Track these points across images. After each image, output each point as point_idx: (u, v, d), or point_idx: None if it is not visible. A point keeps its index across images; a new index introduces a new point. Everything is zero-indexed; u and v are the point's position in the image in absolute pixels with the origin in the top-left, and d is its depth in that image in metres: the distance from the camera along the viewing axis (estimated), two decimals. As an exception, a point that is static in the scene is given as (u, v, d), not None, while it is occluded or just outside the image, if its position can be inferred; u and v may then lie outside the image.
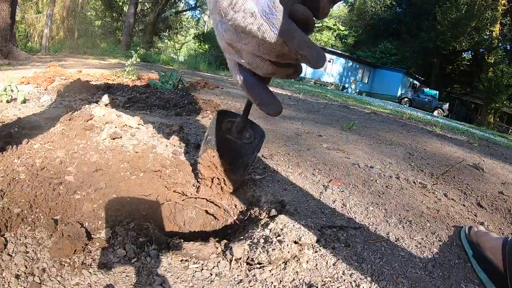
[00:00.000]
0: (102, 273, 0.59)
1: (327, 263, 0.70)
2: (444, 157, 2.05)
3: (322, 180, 1.16)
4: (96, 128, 1.13)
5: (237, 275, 0.62)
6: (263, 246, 0.69)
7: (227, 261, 0.65)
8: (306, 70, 21.35)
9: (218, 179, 0.90)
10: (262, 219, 0.84)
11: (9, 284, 0.52)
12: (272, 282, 0.61)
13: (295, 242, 0.75)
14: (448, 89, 26.99)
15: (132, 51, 5.24)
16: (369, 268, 0.70)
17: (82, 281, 0.57)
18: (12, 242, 0.60)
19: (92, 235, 0.69)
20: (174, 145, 1.17)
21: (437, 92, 20.72)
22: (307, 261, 0.69)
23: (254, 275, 0.62)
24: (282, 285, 0.61)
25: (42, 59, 6.24)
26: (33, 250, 0.60)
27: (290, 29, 0.33)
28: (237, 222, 0.87)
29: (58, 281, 0.56)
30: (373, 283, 0.65)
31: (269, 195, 0.97)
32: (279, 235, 0.75)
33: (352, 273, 0.68)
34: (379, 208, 1.00)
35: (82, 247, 0.63)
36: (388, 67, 25.29)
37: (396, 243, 0.82)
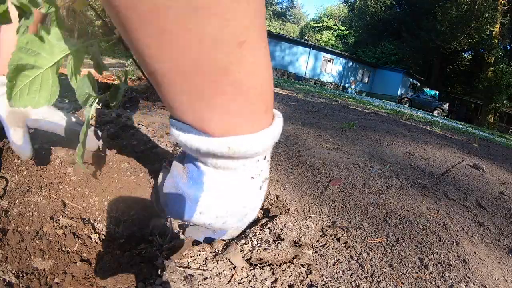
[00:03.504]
0: (99, 274, 0.59)
1: (327, 263, 0.70)
2: (444, 157, 2.06)
3: (322, 180, 1.16)
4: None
5: (237, 275, 0.62)
6: (262, 246, 0.69)
7: (227, 261, 0.65)
8: (306, 70, 21.37)
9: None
10: (262, 219, 0.84)
11: (9, 284, 0.52)
12: (272, 282, 0.61)
13: (295, 242, 0.75)
14: (448, 89, 27.02)
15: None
16: (369, 268, 0.70)
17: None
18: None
19: (91, 236, 0.69)
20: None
21: (437, 92, 20.73)
22: (307, 261, 0.69)
23: (254, 275, 0.62)
24: (282, 285, 0.61)
25: (42, 59, 6.22)
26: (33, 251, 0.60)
27: None
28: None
29: (56, 283, 0.56)
30: (373, 283, 0.65)
31: (269, 195, 0.97)
32: (279, 235, 0.75)
33: (352, 273, 0.68)
34: (379, 208, 1.00)
35: (82, 244, 0.63)
36: (388, 67, 25.33)
37: (396, 243, 0.82)
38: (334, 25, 37.53)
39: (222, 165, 0.33)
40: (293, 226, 0.80)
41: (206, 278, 0.60)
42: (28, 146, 0.75)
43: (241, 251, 0.68)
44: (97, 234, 0.70)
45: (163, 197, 0.38)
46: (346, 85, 23.08)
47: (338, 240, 0.79)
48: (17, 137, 0.74)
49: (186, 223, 0.41)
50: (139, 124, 1.26)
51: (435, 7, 22.29)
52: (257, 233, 0.75)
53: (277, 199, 0.96)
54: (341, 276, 0.66)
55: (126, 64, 3.43)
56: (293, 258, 0.69)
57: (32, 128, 0.76)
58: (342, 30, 36.43)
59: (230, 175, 0.34)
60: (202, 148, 0.30)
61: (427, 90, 20.83)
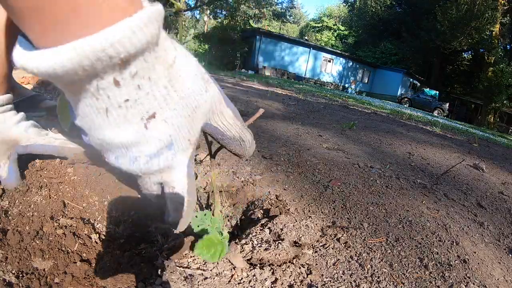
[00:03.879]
0: (99, 274, 0.59)
1: (327, 263, 0.70)
2: (444, 157, 2.06)
3: (322, 180, 1.16)
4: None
5: (237, 275, 0.62)
6: (263, 246, 0.69)
7: (227, 261, 0.65)
8: (306, 70, 21.38)
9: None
10: (262, 219, 0.84)
11: (9, 284, 0.52)
12: (272, 282, 0.61)
13: (295, 242, 0.75)
14: (448, 89, 27.02)
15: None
16: (369, 268, 0.70)
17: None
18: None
19: (91, 236, 0.69)
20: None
21: (437, 92, 20.74)
22: (307, 261, 0.69)
23: (254, 275, 0.62)
24: (282, 285, 0.61)
25: (42, 59, 6.23)
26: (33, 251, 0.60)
27: None
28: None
29: (56, 283, 0.56)
30: (373, 283, 0.65)
31: (269, 195, 0.97)
32: (279, 235, 0.75)
33: (352, 273, 0.68)
34: (379, 208, 1.00)
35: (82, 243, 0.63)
36: (388, 67, 25.34)
37: (396, 243, 0.82)
38: (334, 25, 37.54)
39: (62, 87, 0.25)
40: (293, 226, 0.80)
41: (206, 278, 0.60)
42: (14, 176, 0.73)
43: (241, 251, 0.68)
44: (97, 234, 0.70)
45: None
46: (346, 85, 23.07)
47: (338, 240, 0.79)
48: (2, 171, 0.72)
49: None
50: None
51: (435, 7, 22.28)
52: (257, 233, 0.75)
53: (277, 199, 0.96)
54: (341, 276, 0.66)
55: None
56: (293, 258, 0.69)
57: (23, 154, 0.75)
58: (342, 30, 36.44)
59: (80, 100, 0.26)
60: (16, 64, 0.23)
61: (427, 90, 20.83)
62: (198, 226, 0.68)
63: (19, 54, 0.22)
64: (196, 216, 0.70)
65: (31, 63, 0.21)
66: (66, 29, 0.21)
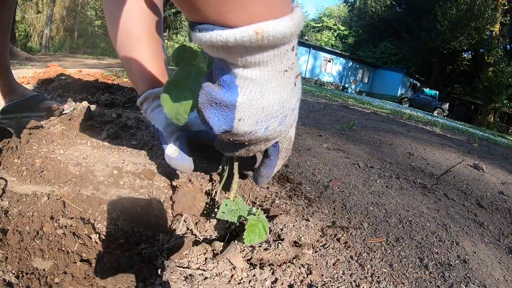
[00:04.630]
0: (99, 274, 0.59)
1: (327, 263, 0.70)
2: (444, 157, 2.06)
3: (322, 180, 1.16)
4: (96, 128, 1.13)
5: (237, 275, 0.62)
6: (262, 246, 0.69)
7: (227, 261, 0.65)
8: (306, 70, 21.37)
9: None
10: (262, 219, 0.84)
11: (9, 284, 0.52)
12: (272, 282, 0.61)
13: (295, 242, 0.75)
14: (448, 89, 27.00)
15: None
16: (369, 268, 0.70)
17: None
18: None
19: (91, 236, 0.69)
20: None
21: (437, 92, 20.73)
22: (307, 261, 0.69)
23: (254, 275, 0.62)
24: (282, 285, 0.61)
25: (42, 59, 6.25)
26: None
27: None
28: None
29: (56, 283, 0.56)
30: (373, 283, 0.65)
31: (269, 195, 0.97)
32: (279, 235, 0.75)
33: (352, 273, 0.68)
34: (379, 208, 1.00)
35: (82, 244, 0.63)
36: (388, 67, 25.33)
37: (396, 243, 0.82)
38: (334, 25, 37.54)
39: (252, 60, 0.32)
40: (293, 226, 0.80)
41: (206, 278, 0.60)
42: (186, 157, 0.74)
43: (241, 251, 0.68)
44: (97, 234, 0.70)
45: (201, 113, 0.38)
46: (346, 85, 23.07)
47: (338, 240, 0.79)
48: (172, 149, 0.74)
49: (228, 139, 0.41)
50: (139, 124, 1.25)
51: (435, 7, 22.27)
52: (257, 233, 0.75)
53: (277, 199, 0.95)
54: (341, 276, 0.66)
55: None
56: (293, 258, 0.69)
57: (193, 139, 0.76)
58: (342, 30, 36.42)
59: (263, 70, 0.34)
60: (230, 40, 0.30)
61: (427, 90, 20.82)
62: (232, 213, 0.71)
63: (247, 31, 0.30)
64: (226, 205, 0.72)
65: (264, 29, 0.30)
66: (279, 10, 0.31)
